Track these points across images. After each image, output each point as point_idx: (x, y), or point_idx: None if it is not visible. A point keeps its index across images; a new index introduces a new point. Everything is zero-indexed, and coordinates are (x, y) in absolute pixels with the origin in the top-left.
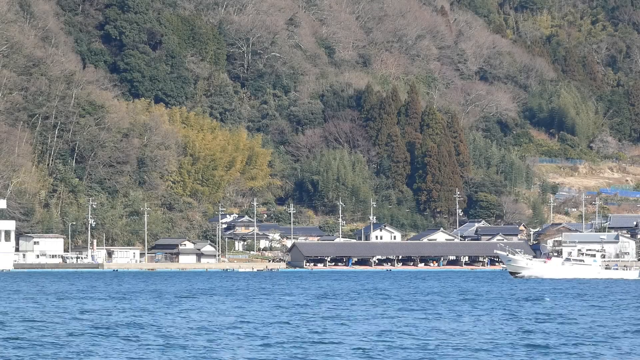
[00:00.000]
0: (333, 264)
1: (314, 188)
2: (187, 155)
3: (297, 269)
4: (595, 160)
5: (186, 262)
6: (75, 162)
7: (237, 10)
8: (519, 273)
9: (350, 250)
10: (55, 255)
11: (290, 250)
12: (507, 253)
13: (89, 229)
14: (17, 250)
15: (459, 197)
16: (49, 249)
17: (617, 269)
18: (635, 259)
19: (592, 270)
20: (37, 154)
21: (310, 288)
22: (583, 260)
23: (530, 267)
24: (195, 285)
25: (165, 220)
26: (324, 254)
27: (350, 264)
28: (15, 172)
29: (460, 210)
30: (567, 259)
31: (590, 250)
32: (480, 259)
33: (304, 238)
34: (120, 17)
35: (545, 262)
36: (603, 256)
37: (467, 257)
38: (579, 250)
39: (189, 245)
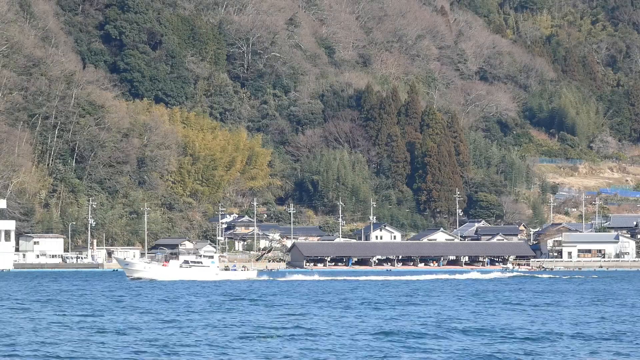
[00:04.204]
0: (333, 264)
1: (314, 188)
2: (187, 155)
3: (297, 269)
4: (595, 160)
5: None
6: (75, 162)
7: (237, 10)
8: (137, 276)
9: (350, 250)
10: (55, 255)
11: (290, 250)
12: (125, 257)
13: (89, 229)
14: (17, 250)
15: (459, 197)
16: (49, 249)
17: (235, 269)
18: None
19: (210, 272)
20: (37, 154)
21: None
22: (201, 263)
23: (147, 270)
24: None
25: (165, 220)
26: (324, 254)
27: (350, 264)
28: (15, 172)
29: (460, 210)
30: (186, 262)
31: (207, 252)
32: (480, 259)
33: (304, 238)
34: (120, 17)
35: (163, 265)
36: (210, 257)
37: (467, 257)
38: (197, 253)
39: (189, 245)
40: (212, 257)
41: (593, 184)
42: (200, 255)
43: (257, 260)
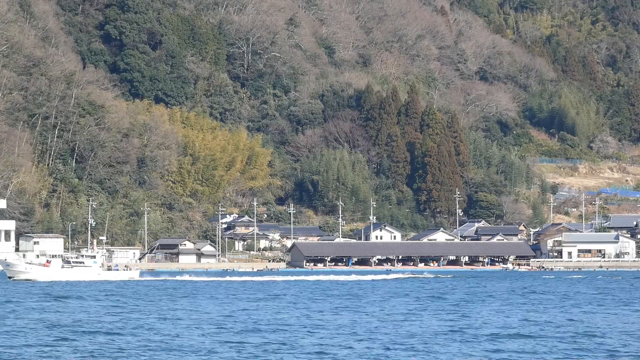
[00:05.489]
0: (333, 264)
1: (314, 188)
2: (187, 155)
3: (297, 269)
4: (595, 160)
5: (186, 262)
6: (75, 162)
7: (237, 10)
8: (18, 277)
9: (350, 250)
10: (55, 255)
11: (290, 250)
12: (5, 258)
13: (89, 229)
14: (17, 250)
15: (459, 197)
16: (49, 249)
17: (117, 269)
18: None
19: (92, 272)
20: (37, 154)
21: None
22: (83, 262)
23: (29, 270)
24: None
25: (165, 220)
26: (324, 254)
27: (350, 264)
28: (15, 172)
29: (460, 210)
30: (67, 262)
31: (89, 252)
32: (480, 259)
33: (304, 238)
34: (120, 17)
35: (45, 265)
36: (90, 257)
37: (467, 257)
38: (80, 253)
39: (189, 245)
40: (94, 257)
41: (593, 184)
42: (82, 255)
43: (140, 259)
